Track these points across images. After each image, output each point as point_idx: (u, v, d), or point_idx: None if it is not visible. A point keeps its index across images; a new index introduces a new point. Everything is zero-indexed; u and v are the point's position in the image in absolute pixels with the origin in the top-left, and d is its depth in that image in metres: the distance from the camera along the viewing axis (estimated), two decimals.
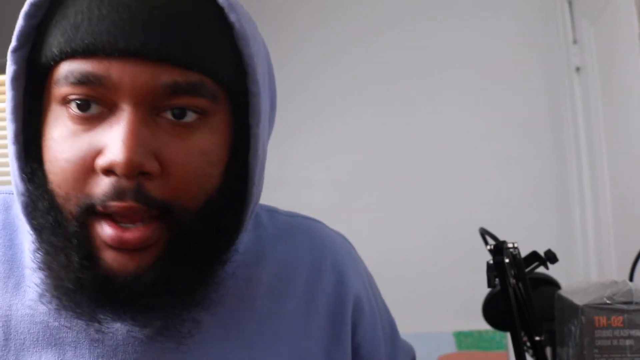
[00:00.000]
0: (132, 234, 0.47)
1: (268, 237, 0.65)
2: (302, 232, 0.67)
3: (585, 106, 1.86)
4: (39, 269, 0.50)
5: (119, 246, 0.47)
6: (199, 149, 0.50)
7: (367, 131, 2.04)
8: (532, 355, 0.78)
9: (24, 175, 0.51)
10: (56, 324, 0.53)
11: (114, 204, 0.47)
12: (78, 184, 0.48)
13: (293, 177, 2.05)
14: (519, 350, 0.69)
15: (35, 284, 0.52)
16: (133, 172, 0.46)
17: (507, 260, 0.71)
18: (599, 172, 1.76)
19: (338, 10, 2.12)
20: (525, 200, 1.93)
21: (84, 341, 0.53)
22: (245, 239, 0.60)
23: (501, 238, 0.79)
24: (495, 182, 1.95)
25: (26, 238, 0.57)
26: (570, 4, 1.95)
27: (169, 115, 0.49)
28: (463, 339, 1.89)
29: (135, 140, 0.46)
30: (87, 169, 0.48)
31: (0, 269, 0.55)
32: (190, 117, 0.49)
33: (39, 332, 0.53)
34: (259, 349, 0.58)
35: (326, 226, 0.71)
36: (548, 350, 0.97)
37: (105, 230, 0.47)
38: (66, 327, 0.53)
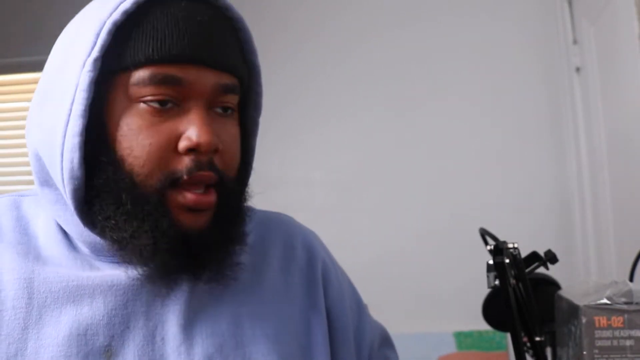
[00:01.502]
0: (208, 197, 0.63)
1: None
2: (274, 221, 0.80)
3: (585, 106, 1.86)
4: (121, 239, 0.61)
5: (198, 207, 0.62)
6: (233, 134, 0.66)
7: (367, 131, 2.04)
8: (532, 356, 0.78)
9: (102, 159, 0.61)
10: (74, 283, 0.63)
11: (198, 173, 0.61)
12: (162, 162, 0.61)
13: (293, 178, 2.05)
14: (519, 350, 0.70)
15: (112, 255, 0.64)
16: (211, 149, 0.61)
17: (507, 261, 0.71)
18: (599, 172, 1.76)
19: (337, 11, 2.12)
20: (525, 200, 1.93)
21: (99, 297, 0.63)
22: None
23: (501, 238, 0.79)
24: (496, 182, 1.95)
25: (39, 227, 0.68)
26: (570, 4, 1.95)
27: (217, 109, 0.65)
28: (463, 339, 1.89)
29: (210, 127, 0.62)
30: (169, 150, 0.61)
31: (19, 248, 0.66)
32: (228, 111, 0.66)
33: (59, 291, 0.63)
34: (246, 309, 0.69)
35: (294, 219, 0.84)
36: (548, 351, 0.97)
37: (187, 197, 0.61)
38: (83, 285, 0.63)
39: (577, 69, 1.90)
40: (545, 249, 0.81)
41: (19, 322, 0.61)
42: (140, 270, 0.62)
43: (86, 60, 0.60)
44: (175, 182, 0.61)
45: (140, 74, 0.61)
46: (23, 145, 2.35)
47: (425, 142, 2.01)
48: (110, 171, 0.61)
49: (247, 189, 0.71)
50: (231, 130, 0.66)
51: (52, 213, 0.67)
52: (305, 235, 0.81)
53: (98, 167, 0.62)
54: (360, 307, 0.83)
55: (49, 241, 0.66)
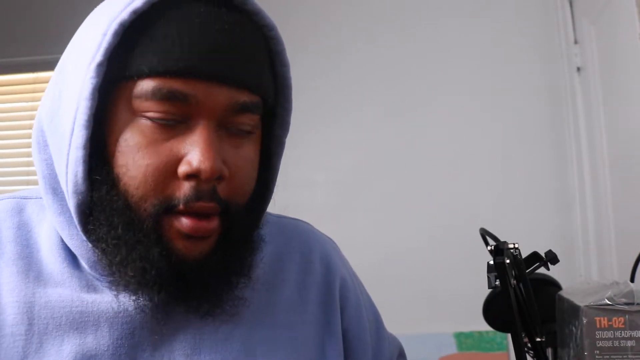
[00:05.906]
0: (208, 223, 0.56)
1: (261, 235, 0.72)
2: (291, 230, 0.74)
3: (585, 106, 1.86)
4: (111, 264, 0.56)
5: (196, 234, 0.56)
6: (249, 157, 0.60)
7: (368, 132, 2.04)
8: (533, 357, 0.78)
9: (96, 178, 0.56)
10: (78, 309, 0.58)
11: (196, 204, 0.55)
12: (159, 186, 0.55)
13: (295, 178, 2.05)
14: (520, 351, 0.69)
15: (99, 278, 0.59)
16: (214, 177, 0.55)
17: (507, 261, 0.71)
18: (599, 172, 1.76)
19: (339, 12, 2.12)
20: (525, 200, 1.93)
21: (104, 324, 0.58)
22: None
23: (502, 238, 0.79)
24: (496, 182, 1.95)
25: (42, 237, 0.63)
26: (570, 4, 1.95)
27: (231, 129, 0.58)
28: (463, 340, 1.89)
29: (214, 151, 0.55)
30: (168, 173, 0.55)
31: (19, 264, 0.61)
32: (244, 131, 0.59)
33: (61, 317, 0.58)
34: (259, 335, 0.64)
35: (313, 226, 0.78)
36: (549, 351, 0.97)
37: (184, 222, 0.55)
38: (87, 311, 0.58)
39: (578, 69, 1.90)
40: (545, 249, 0.81)
41: (17, 350, 0.56)
42: (130, 300, 0.58)
43: (90, 64, 0.55)
44: (170, 209, 0.55)
45: (144, 86, 0.55)
46: (23, 145, 2.35)
47: (425, 142, 2.00)
48: (104, 190, 0.56)
49: (262, 216, 0.64)
50: (245, 153, 0.59)
51: (56, 225, 0.61)
52: (324, 248, 0.75)
53: (97, 183, 0.56)
54: (378, 324, 0.79)
55: (51, 254, 0.61)
